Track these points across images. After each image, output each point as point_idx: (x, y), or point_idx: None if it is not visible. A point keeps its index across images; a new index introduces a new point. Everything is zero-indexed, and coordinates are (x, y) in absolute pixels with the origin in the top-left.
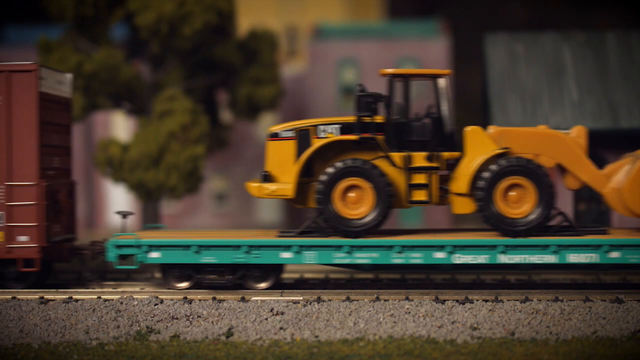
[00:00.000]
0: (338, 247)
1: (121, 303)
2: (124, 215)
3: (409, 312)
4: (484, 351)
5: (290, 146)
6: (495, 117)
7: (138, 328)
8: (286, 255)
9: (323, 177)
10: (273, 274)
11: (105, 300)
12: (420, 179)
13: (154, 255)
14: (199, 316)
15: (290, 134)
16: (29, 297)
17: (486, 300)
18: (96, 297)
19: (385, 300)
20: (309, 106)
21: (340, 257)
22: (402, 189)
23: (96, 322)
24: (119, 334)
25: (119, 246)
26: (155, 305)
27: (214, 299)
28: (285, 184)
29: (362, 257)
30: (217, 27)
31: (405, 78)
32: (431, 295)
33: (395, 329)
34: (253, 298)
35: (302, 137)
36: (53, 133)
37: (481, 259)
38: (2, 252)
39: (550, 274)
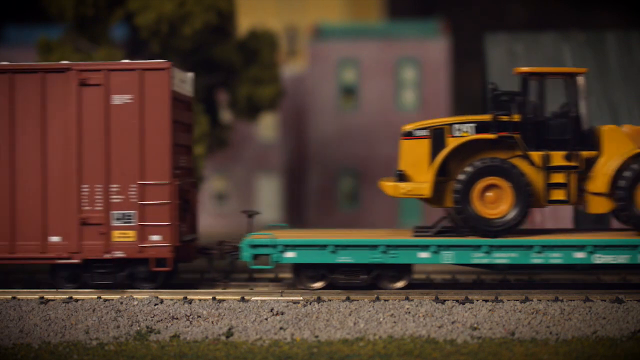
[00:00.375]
0: (477, 247)
1: (121, 303)
2: (250, 214)
3: (409, 312)
4: (484, 351)
5: (424, 145)
6: None
7: (138, 328)
8: (423, 255)
9: (462, 176)
10: (407, 274)
11: (105, 300)
12: (559, 178)
13: (290, 255)
14: (199, 316)
15: (424, 132)
16: (29, 297)
17: (486, 300)
18: (96, 297)
19: (385, 300)
20: (309, 106)
21: (479, 257)
22: (539, 188)
23: (96, 322)
24: (119, 334)
25: (254, 246)
26: (155, 305)
27: (213, 299)
28: (421, 183)
29: (501, 257)
30: (217, 27)
31: (541, 76)
32: (431, 295)
33: (395, 329)
34: (253, 298)
35: (437, 136)
36: (180, 132)
37: (622, 259)
38: (133, 252)
39: (551, 274)
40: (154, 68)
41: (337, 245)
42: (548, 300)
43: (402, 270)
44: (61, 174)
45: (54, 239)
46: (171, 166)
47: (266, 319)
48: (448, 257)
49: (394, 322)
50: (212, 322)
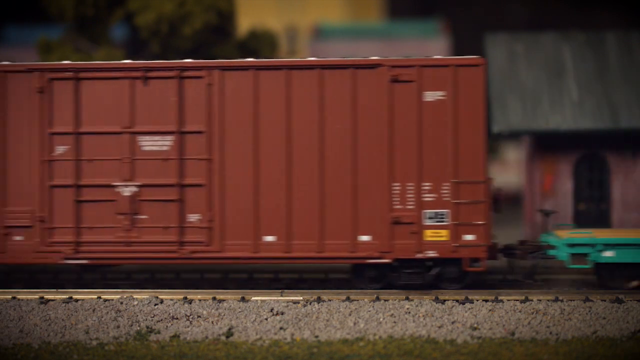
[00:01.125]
0: None
1: (121, 303)
2: (547, 213)
3: (409, 312)
4: (484, 351)
5: None
6: (495, 117)
7: (138, 328)
8: None
9: None
10: None
11: (105, 300)
12: None
13: (608, 254)
14: (199, 316)
15: None
16: (29, 297)
17: (486, 300)
18: (96, 297)
19: (385, 300)
20: None
21: None
22: None
23: (96, 322)
24: (119, 334)
25: (572, 245)
26: (155, 305)
27: (214, 299)
28: None
29: None
30: (217, 27)
31: None
32: (431, 295)
33: (395, 329)
34: (253, 298)
35: None
36: None
37: None
38: (446, 251)
39: (551, 274)
40: (468, 64)
41: None
42: (548, 300)
43: None
44: (371, 171)
45: (364, 238)
46: (485, 164)
47: (266, 319)
48: None
49: (394, 322)
50: (212, 322)
